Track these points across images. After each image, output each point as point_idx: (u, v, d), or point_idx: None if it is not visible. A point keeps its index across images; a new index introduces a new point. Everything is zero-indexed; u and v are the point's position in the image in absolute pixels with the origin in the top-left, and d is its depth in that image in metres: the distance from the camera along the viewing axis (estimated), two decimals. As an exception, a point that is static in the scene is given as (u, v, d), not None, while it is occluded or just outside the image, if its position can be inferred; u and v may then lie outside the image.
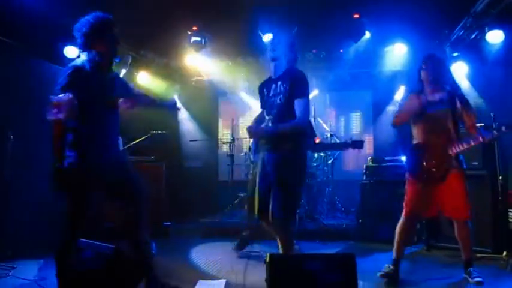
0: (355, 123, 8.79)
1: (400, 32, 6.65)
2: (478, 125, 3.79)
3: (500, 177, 4.74)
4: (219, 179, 9.04)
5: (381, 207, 5.58)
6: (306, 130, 3.50)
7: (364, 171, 6.13)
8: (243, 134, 7.39)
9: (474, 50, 6.07)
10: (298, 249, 4.71)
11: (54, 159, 2.99)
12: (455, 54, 6.48)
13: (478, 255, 4.56)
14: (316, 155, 6.98)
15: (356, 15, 6.51)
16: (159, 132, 5.27)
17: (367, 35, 6.69)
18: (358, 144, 5.17)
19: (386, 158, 6.04)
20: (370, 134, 8.57)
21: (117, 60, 6.84)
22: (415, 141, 3.86)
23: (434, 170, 3.66)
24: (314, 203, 6.63)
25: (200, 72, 8.10)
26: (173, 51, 7.44)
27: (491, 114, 3.70)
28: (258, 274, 3.85)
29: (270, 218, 3.25)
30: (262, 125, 3.49)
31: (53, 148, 3.00)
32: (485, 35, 5.56)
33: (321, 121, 7.61)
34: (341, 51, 7.48)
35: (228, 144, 7.84)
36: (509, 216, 4.64)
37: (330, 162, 7.37)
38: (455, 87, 3.88)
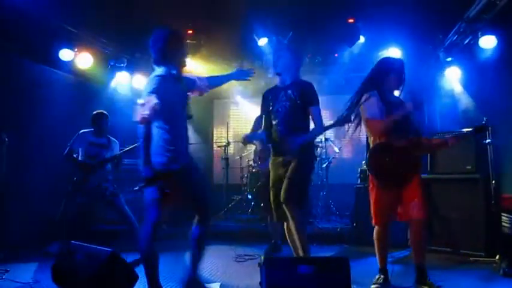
0: (350, 127, 8.79)
1: (395, 36, 6.69)
2: (471, 129, 3.79)
3: (493, 181, 4.77)
4: (213, 182, 9.05)
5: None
6: None
7: (358, 175, 6.15)
8: (238, 137, 7.39)
9: (467, 55, 6.12)
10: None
11: (143, 160, 3.15)
12: (448, 59, 6.52)
13: (471, 258, 4.59)
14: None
15: (351, 20, 6.55)
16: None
17: (362, 39, 6.74)
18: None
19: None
20: (363, 138, 8.58)
21: (112, 63, 6.89)
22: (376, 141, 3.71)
23: (401, 171, 3.55)
24: (309, 207, 6.64)
25: (195, 75, 8.10)
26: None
27: (484, 119, 3.73)
28: (252, 277, 3.86)
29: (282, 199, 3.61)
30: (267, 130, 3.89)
31: (144, 150, 3.17)
32: (478, 40, 5.61)
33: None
34: (336, 55, 7.52)
35: (223, 148, 7.86)
36: (502, 220, 4.67)
37: (324, 166, 7.40)
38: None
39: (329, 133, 7.73)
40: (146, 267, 3.26)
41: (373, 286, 3.71)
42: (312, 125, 3.90)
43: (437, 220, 5.06)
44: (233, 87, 8.50)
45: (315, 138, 3.84)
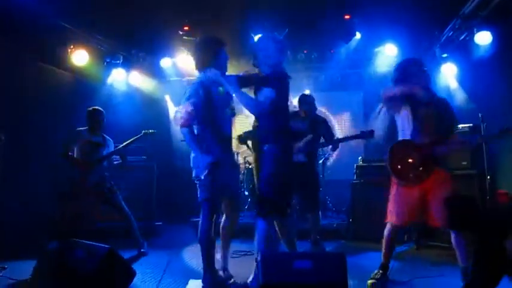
0: (346, 123, 8.82)
1: (391, 33, 6.70)
2: (466, 125, 3.82)
3: (488, 177, 4.80)
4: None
5: (372, 206, 5.62)
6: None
7: (354, 170, 6.17)
8: (234, 134, 7.39)
9: (463, 51, 6.14)
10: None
11: (200, 150, 3.52)
12: (444, 55, 6.54)
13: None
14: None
15: (347, 16, 6.55)
16: (151, 131, 5.27)
17: (358, 35, 6.74)
18: (368, 134, 5.09)
19: (377, 158, 6.08)
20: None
21: (108, 60, 6.87)
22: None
23: (421, 169, 3.58)
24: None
25: (192, 72, 8.09)
26: (165, 50, 7.44)
27: (479, 115, 3.75)
28: (249, 273, 3.87)
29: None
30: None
31: (194, 144, 3.55)
32: (473, 36, 5.63)
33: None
34: (332, 51, 7.52)
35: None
36: (497, 215, 4.69)
37: (320, 162, 7.41)
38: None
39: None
40: (205, 256, 3.51)
41: (370, 281, 3.73)
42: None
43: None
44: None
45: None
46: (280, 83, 3.46)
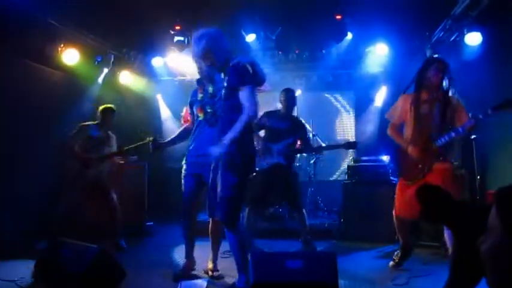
0: (337, 123, 8.84)
1: (382, 33, 6.72)
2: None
3: (478, 177, 4.83)
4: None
5: (363, 206, 5.64)
6: None
7: (346, 171, 6.19)
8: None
9: (453, 51, 6.17)
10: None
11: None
12: (435, 56, 6.57)
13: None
14: (298, 155, 7.02)
15: (338, 16, 6.56)
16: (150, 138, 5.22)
17: (349, 35, 6.76)
18: (352, 145, 5.24)
19: (368, 158, 6.11)
20: (352, 134, 8.63)
21: (99, 59, 6.82)
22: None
23: (420, 166, 3.79)
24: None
25: (183, 71, 8.07)
26: (156, 50, 7.41)
27: (469, 115, 3.76)
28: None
29: None
30: None
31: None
32: (464, 37, 5.66)
33: (303, 121, 7.64)
34: (323, 51, 7.53)
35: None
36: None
37: (312, 162, 7.42)
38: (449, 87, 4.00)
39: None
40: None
41: (390, 263, 4.19)
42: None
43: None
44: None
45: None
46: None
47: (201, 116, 3.91)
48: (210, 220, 4.04)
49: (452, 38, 6.01)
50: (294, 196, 5.06)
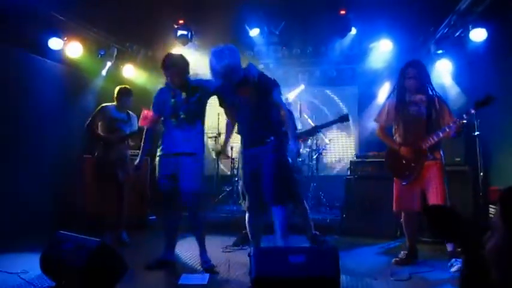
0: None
1: (386, 28, 6.70)
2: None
3: (482, 173, 4.82)
4: (204, 173, 9.03)
5: (365, 202, 5.64)
6: None
7: (348, 166, 6.18)
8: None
9: (458, 47, 6.14)
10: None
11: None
12: (439, 52, 6.54)
13: (459, 249, 4.63)
14: (301, 150, 7.02)
15: (343, 12, 6.53)
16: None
17: (353, 31, 6.73)
18: (344, 118, 5.27)
19: (371, 154, 6.09)
20: (355, 129, 8.61)
21: (102, 53, 6.82)
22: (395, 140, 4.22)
23: (413, 165, 3.98)
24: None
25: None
26: (159, 43, 7.39)
27: (472, 111, 3.74)
28: (242, 268, 3.87)
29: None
30: None
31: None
32: (469, 32, 5.62)
33: (306, 116, 7.64)
34: (327, 47, 7.51)
35: (214, 139, 7.84)
36: (490, 212, 4.72)
37: (314, 157, 7.42)
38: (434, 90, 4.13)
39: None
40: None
41: (393, 260, 4.21)
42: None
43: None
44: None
45: None
46: None
47: (174, 120, 4.00)
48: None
49: (457, 34, 5.98)
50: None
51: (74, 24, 6.06)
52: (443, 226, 2.40)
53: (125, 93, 5.30)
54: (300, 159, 6.96)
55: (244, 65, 3.79)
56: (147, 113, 4.16)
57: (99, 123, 5.17)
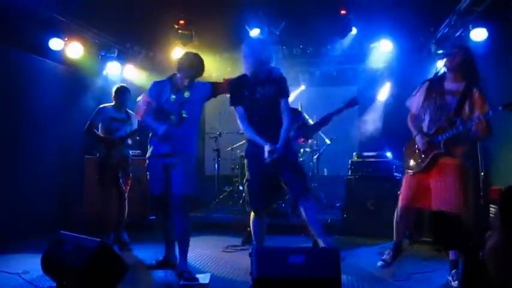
0: (341, 118, 8.78)
1: (386, 28, 6.70)
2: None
3: (483, 173, 4.81)
4: (205, 173, 9.04)
5: (366, 202, 5.64)
6: None
7: (349, 166, 6.18)
8: (229, 128, 7.39)
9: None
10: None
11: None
12: (440, 52, 6.51)
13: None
14: (302, 150, 7.03)
15: (343, 12, 6.53)
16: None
17: (354, 31, 6.73)
18: (353, 101, 4.95)
19: (372, 154, 6.09)
20: (356, 129, 8.60)
21: (102, 54, 6.82)
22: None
23: (423, 156, 3.76)
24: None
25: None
26: (160, 44, 7.40)
27: (500, 108, 3.67)
28: (243, 268, 3.87)
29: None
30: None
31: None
32: (469, 32, 5.62)
33: (307, 116, 7.62)
34: (328, 47, 7.51)
35: (214, 139, 7.84)
36: (491, 212, 4.72)
37: (315, 157, 7.41)
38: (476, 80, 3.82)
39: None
40: None
41: (378, 263, 4.06)
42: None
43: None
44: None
45: None
46: None
47: (173, 118, 3.87)
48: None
49: (458, 34, 5.96)
50: None
51: (74, 25, 6.07)
52: (445, 234, 2.40)
53: (122, 91, 5.27)
54: (301, 159, 6.97)
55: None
56: (143, 97, 4.07)
57: (99, 125, 5.17)
